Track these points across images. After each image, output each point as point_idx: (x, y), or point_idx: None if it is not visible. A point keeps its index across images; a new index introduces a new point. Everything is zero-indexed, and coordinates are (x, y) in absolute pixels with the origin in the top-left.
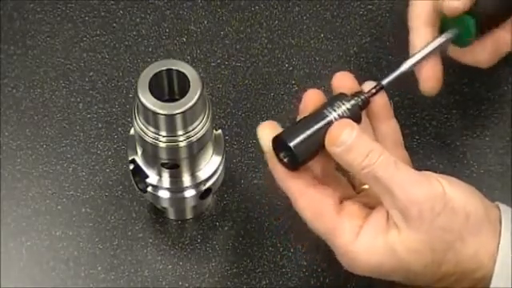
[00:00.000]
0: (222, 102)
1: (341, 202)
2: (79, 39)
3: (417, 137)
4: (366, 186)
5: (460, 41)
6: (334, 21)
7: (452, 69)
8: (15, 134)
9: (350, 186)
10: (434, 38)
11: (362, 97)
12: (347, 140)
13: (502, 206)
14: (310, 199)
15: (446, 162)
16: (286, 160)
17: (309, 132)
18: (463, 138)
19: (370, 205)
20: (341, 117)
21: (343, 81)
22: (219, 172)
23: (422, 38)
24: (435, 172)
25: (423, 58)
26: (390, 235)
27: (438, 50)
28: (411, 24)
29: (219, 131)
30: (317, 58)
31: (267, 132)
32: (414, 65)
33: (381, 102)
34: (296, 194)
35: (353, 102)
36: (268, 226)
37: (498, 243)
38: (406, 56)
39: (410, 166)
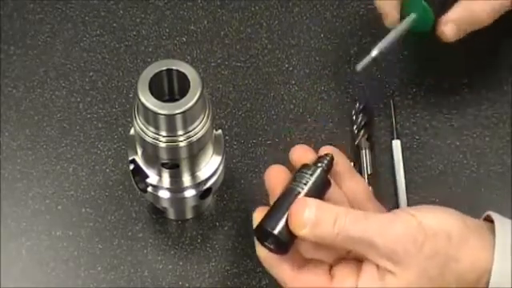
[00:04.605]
0: (222, 102)
1: (331, 267)
2: (79, 39)
3: (417, 137)
4: None
5: (420, 25)
6: (333, 21)
7: (452, 69)
8: (15, 134)
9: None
10: (398, 23)
11: (325, 161)
12: (310, 217)
13: (495, 216)
14: (301, 282)
15: (445, 162)
16: (272, 246)
17: (288, 214)
18: (463, 137)
19: (361, 257)
20: (311, 188)
21: (302, 154)
22: (219, 172)
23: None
24: (435, 172)
25: (390, 44)
26: (386, 281)
27: (402, 36)
28: None
29: (219, 131)
30: (317, 58)
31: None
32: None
33: (341, 160)
34: (286, 280)
35: (318, 170)
36: None
37: (493, 252)
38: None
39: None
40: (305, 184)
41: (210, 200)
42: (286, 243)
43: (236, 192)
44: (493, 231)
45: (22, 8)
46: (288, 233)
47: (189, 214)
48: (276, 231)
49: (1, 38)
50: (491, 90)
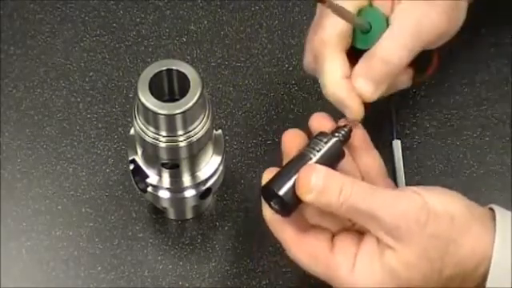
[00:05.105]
0: (222, 102)
1: (333, 236)
2: (79, 39)
3: (417, 137)
4: None
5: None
6: None
7: (452, 69)
8: (15, 134)
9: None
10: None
11: (343, 132)
12: (317, 183)
13: (497, 208)
14: (302, 246)
15: (445, 162)
16: (277, 207)
17: (295, 177)
18: (463, 137)
19: (364, 230)
20: (323, 156)
21: (321, 122)
22: (219, 172)
23: (337, 64)
24: (435, 172)
25: None
26: (385, 257)
27: None
28: (322, 49)
29: (219, 131)
30: None
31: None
32: None
33: (360, 134)
34: (289, 242)
35: (334, 139)
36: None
37: (493, 240)
38: None
39: None
40: (318, 151)
41: (210, 200)
42: (290, 205)
43: (236, 192)
44: (495, 220)
45: (22, 8)
46: (293, 196)
47: (189, 214)
48: (281, 192)
49: (1, 38)
50: (491, 89)
